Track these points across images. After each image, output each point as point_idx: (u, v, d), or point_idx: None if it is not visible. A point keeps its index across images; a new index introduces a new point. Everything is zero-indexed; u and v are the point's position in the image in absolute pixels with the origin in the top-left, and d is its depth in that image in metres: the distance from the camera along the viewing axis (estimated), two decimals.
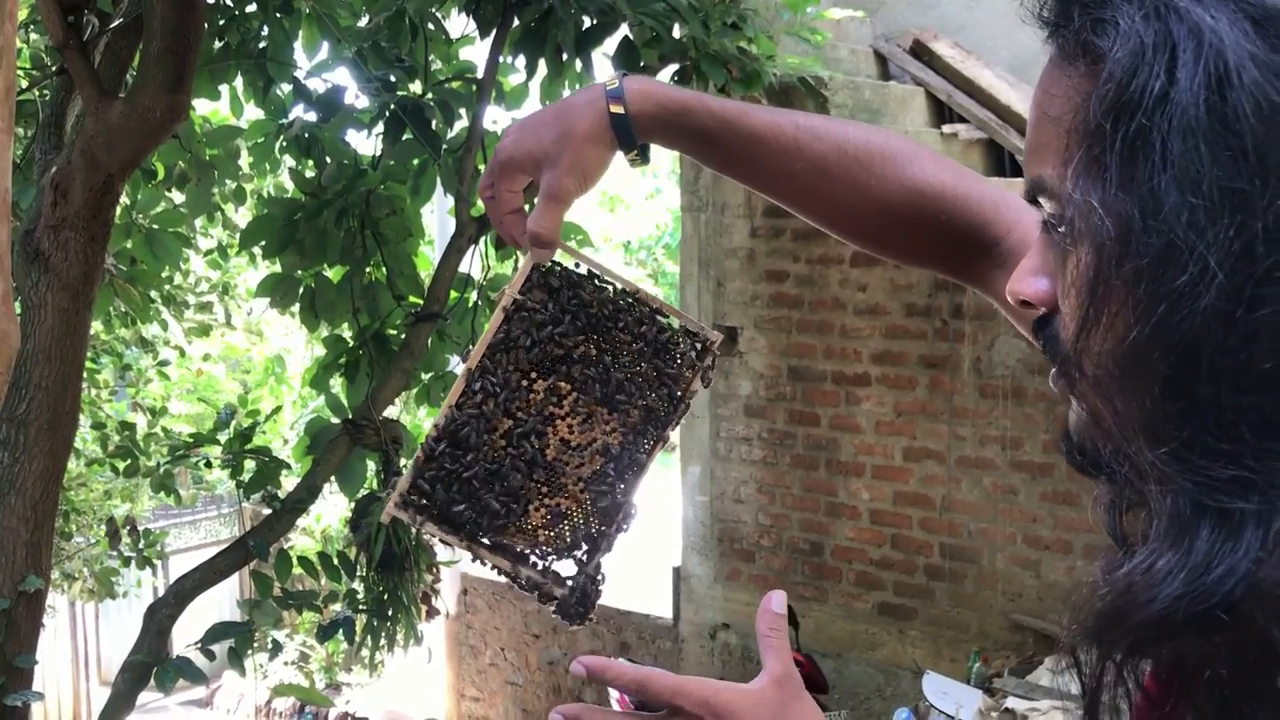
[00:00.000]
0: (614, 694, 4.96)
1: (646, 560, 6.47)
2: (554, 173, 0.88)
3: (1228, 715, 0.46)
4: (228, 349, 8.56)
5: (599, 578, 0.96)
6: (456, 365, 3.18)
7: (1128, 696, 0.52)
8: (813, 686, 4.48)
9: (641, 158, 0.92)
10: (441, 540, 0.95)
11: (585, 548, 0.97)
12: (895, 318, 4.75)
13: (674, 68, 2.97)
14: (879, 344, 4.81)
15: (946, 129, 4.08)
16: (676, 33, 2.84)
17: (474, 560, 0.96)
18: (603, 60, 2.85)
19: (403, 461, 2.87)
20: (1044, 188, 0.55)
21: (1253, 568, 0.45)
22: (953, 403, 4.61)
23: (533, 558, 0.96)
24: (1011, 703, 3.64)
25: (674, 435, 1.09)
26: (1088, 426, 0.55)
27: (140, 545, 4.66)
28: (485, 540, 0.95)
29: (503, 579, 0.96)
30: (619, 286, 0.97)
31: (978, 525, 4.58)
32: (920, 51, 4.42)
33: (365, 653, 2.92)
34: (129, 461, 4.20)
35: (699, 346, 0.99)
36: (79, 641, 8.33)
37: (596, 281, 0.96)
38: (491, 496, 0.93)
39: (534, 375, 0.94)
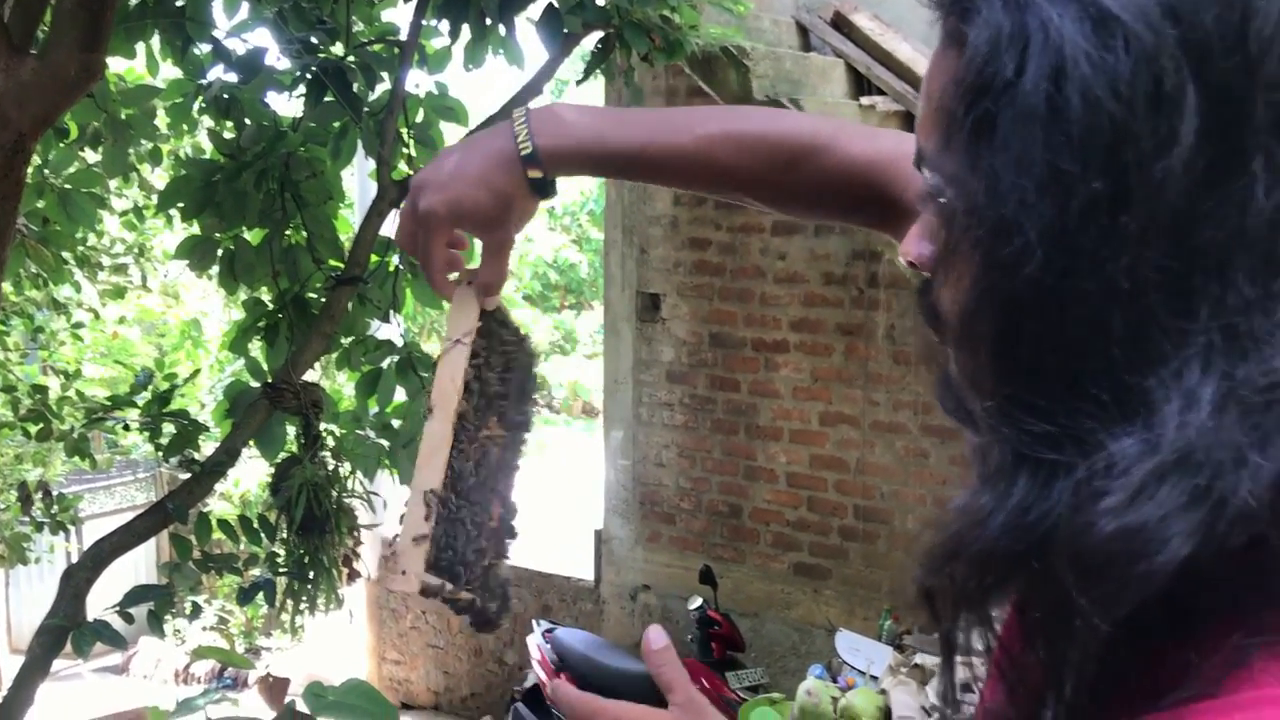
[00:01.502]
0: (535, 655, 5.02)
1: (568, 523, 6.53)
2: (503, 231, 0.94)
3: (1052, 654, 0.50)
4: (143, 312, 8.38)
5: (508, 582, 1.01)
6: (377, 329, 3.19)
7: (983, 641, 0.56)
8: (730, 645, 4.58)
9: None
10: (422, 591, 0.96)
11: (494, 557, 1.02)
12: (813, 286, 4.84)
13: (597, 35, 2.99)
14: (798, 312, 4.89)
15: (865, 101, 4.15)
16: (600, 0, 2.86)
17: (434, 597, 0.98)
18: (527, 25, 2.85)
19: (322, 425, 2.86)
20: (923, 158, 0.60)
21: (1060, 516, 0.49)
22: (868, 369, 4.72)
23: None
24: (920, 659, 3.76)
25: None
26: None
27: (53, 510, 4.58)
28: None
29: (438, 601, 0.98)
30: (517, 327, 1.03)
31: (890, 487, 4.70)
32: (840, 23, 4.48)
33: (286, 616, 2.92)
34: (41, 425, 4.12)
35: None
36: None
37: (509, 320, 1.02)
38: (475, 535, 0.98)
39: (485, 414, 0.98)
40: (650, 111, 0.99)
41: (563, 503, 7.45)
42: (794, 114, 1.00)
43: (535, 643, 5.07)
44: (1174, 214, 0.49)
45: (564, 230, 15.19)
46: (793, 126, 0.96)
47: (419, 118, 3.04)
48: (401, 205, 0.94)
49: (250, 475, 7.69)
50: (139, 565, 7.45)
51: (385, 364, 2.98)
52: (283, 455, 2.86)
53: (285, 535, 2.81)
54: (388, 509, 3.24)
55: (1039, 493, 0.50)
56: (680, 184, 1.02)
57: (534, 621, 5.34)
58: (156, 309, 8.58)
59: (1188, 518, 0.47)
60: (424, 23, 2.87)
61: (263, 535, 2.86)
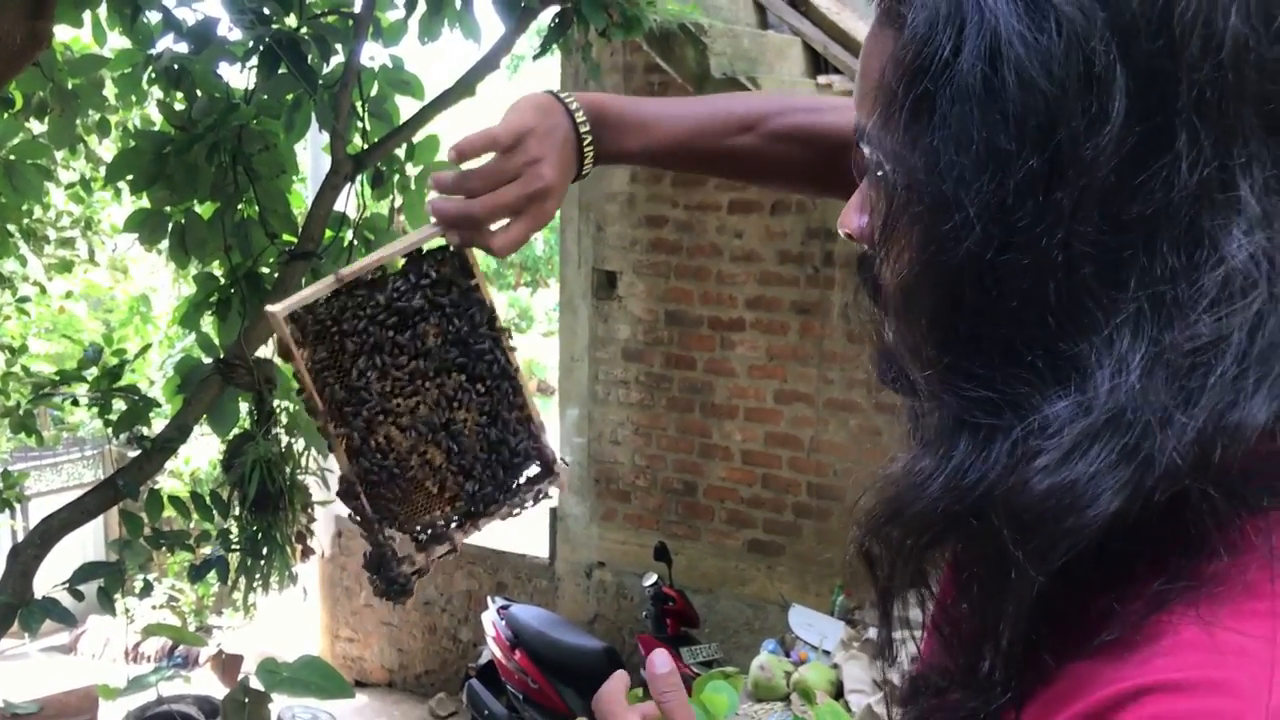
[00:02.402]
0: (490, 632, 5.03)
1: None
2: (553, 201, 0.95)
3: (989, 606, 0.53)
4: (89, 287, 8.25)
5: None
6: None
7: (921, 601, 0.60)
8: (684, 621, 4.61)
9: None
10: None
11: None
12: (769, 264, 4.86)
13: (554, 10, 2.97)
14: (753, 290, 4.91)
15: (822, 79, 4.16)
16: None
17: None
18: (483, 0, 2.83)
19: (275, 402, 2.84)
20: (862, 134, 0.62)
21: (997, 477, 0.52)
22: (822, 347, 4.75)
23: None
24: (872, 633, 3.81)
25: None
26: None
27: None
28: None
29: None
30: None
31: (843, 465, 4.75)
32: (797, 2, 4.48)
33: (238, 594, 2.91)
34: None
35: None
36: None
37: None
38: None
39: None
40: (698, 104, 1.03)
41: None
42: (834, 104, 1.02)
43: (490, 620, 5.08)
44: (1104, 190, 0.51)
45: None
46: (837, 120, 0.99)
47: (373, 91, 3.01)
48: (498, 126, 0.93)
49: (201, 452, 7.61)
50: (87, 543, 7.36)
51: None
52: (235, 431, 2.84)
53: (238, 512, 2.80)
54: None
55: (977, 455, 0.53)
56: (728, 177, 1.07)
57: (489, 598, 5.34)
58: (104, 284, 8.44)
59: (1116, 475, 0.50)
60: None
61: (215, 512, 2.84)
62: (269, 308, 0.94)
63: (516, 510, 1.05)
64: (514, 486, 1.05)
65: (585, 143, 0.97)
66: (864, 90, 0.61)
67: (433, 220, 0.96)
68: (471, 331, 1.01)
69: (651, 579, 4.68)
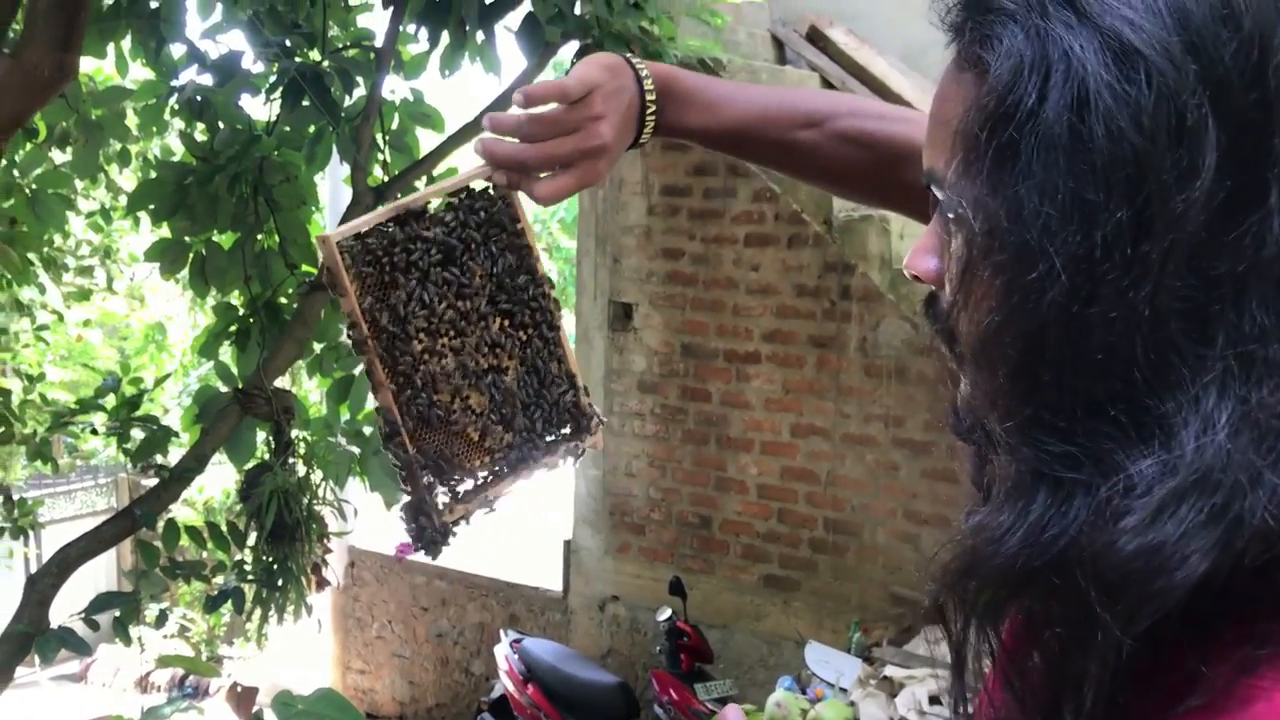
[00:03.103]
0: (503, 665, 4.99)
1: (537, 533, 6.50)
2: (605, 161, 0.94)
3: (1071, 666, 0.52)
4: (106, 315, 8.29)
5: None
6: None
7: (990, 654, 0.58)
8: (699, 656, 4.58)
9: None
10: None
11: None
12: (786, 298, 4.85)
13: (575, 45, 2.99)
14: (770, 323, 4.91)
15: None
16: (579, 10, 2.86)
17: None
18: (505, 34, 2.85)
19: (294, 433, 2.84)
20: (935, 178, 0.61)
21: (1079, 534, 0.51)
22: (839, 381, 4.74)
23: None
24: (890, 671, 3.77)
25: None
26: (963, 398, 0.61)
27: (14, 515, 4.51)
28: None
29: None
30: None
31: (860, 500, 4.72)
32: (816, 37, 4.50)
33: (251, 624, 2.90)
34: (3, 429, 4.06)
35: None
36: None
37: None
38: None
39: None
40: (766, 92, 1.02)
41: (532, 512, 7.42)
42: (903, 115, 1.01)
43: (503, 653, 5.04)
44: (1194, 244, 0.50)
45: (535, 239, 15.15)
46: (903, 131, 0.99)
47: (395, 124, 3.02)
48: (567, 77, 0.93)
49: (214, 481, 7.61)
50: (99, 571, 7.35)
51: (357, 371, 2.96)
52: (253, 462, 2.84)
53: (254, 543, 2.79)
54: (358, 516, 3.22)
55: (1057, 511, 0.52)
56: (785, 170, 1.06)
57: (502, 631, 5.31)
58: (119, 312, 8.49)
59: (1206, 535, 0.48)
60: (400, 29, 2.86)
61: (231, 542, 2.83)
62: (323, 234, 0.94)
63: (555, 465, 1.04)
64: (553, 440, 1.04)
65: (648, 111, 0.96)
66: (938, 134, 0.60)
67: (481, 161, 0.95)
68: (516, 276, 1.01)
69: (666, 613, 4.65)
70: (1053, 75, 0.52)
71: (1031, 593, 0.54)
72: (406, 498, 0.98)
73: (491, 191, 0.99)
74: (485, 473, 1.01)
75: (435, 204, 0.99)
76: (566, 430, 1.05)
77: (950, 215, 0.58)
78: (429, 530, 0.97)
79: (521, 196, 0.99)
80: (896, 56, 4.36)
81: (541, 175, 0.95)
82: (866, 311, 4.63)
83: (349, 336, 0.96)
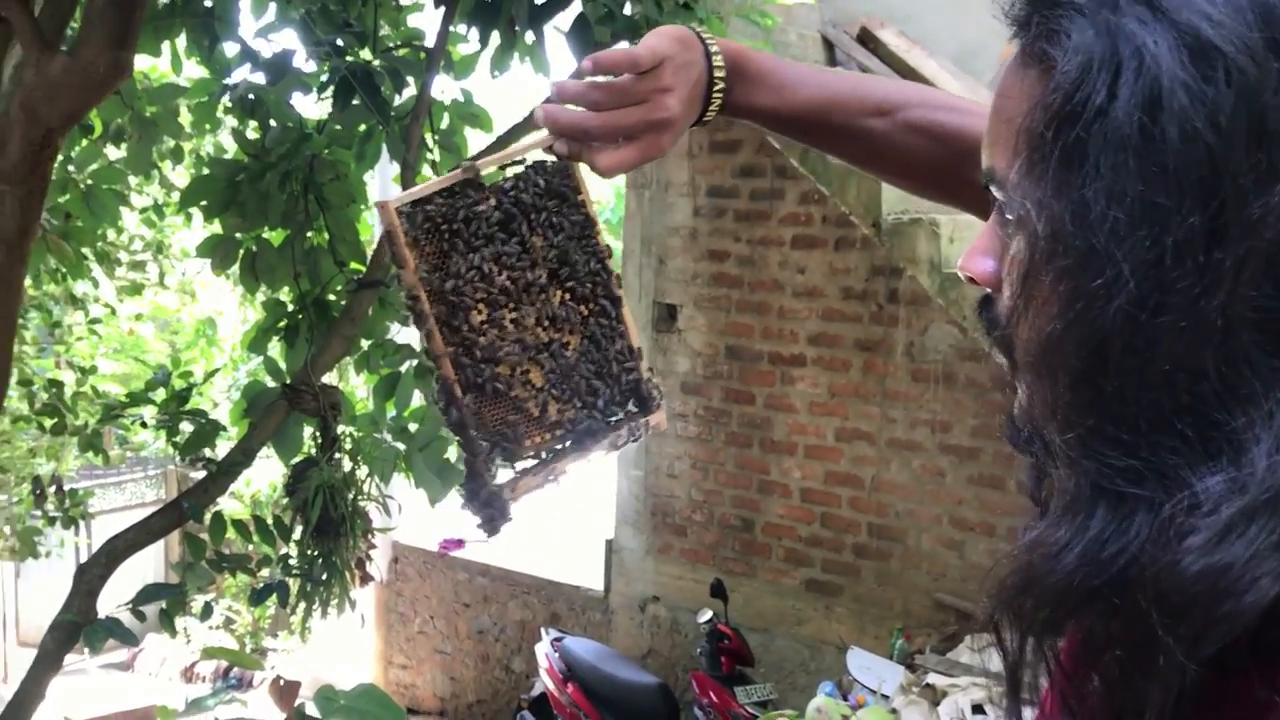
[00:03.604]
0: (543, 663, 5.00)
1: (578, 532, 6.51)
2: (670, 136, 0.92)
3: (1127, 689, 0.50)
4: (157, 309, 8.41)
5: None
6: (397, 333, 3.18)
7: (1047, 674, 0.56)
8: (739, 660, 4.56)
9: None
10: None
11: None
12: (832, 300, 4.82)
13: (625, 44, 2.98)
14: (815, 326, 4.88)
15: None
16: (629, 10, 2.85)
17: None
18: (555, 35, 2.85)
19: (340, 428, 2.86)
20: (995, 178, 0.59)
21: (1140, 552, 0.49)
22: (885, 385, 4.70)
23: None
24: (932, 679, 3.74)
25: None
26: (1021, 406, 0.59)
27: (65, 505, 4.59)
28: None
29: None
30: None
31: (905, 506, 4.68)
32: (867, 39, 4.46)
33: (296, 618, 2.92)
34: (56, 420, 4.13)
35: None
36: None
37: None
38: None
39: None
40: (837, 77, 1.00)
41: (574, 511, 7.43)
42: (971, 106, 0.99)
43: (543, 651, 5.05)
44: (1271, 252, 0.48)
45: None
46: (977, 125, 0.96)
47: (444, 124, 3.03)
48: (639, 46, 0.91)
49: (261, 475, 7.69)
50: (147, 563, 7.46)
51: (404, 368, 2.97)
52: (299, 457, 2.86)
53: (299, 537, 2.81)
54: (402, 512, 3.24)
55: (1118, 527, 0.50)
56: (851, 159, 1.03)
57: (542, 630, 5.32)
58: (171, 306, 8.60)
59: (1277, 558, 0.46)
60: (451, 29, 2.87)
61: (276, 536, 2.86)
62: (381, 200, 0.92)
63: (615, 445, 1.01)
64: (614, 419, 1.01)
65: (716, 88, 0.93)
66: (1000, 132, 0.58)
67: (544, 129, 0.92)
68: (577, 249, 0.98)
69: (707, 615, 4.64)
70: (1124, 73, 0.50)
71: (1090, 612, 0.51)
72: (465, 473, 0.96)
73: (552, 161, 0.97)
74: (545, 449, 0.98)
75: (495, 173, 0.97)
76: (629, 408, 1.02)
77: (1011, 217, 0.56)
78: (488, 506, 0.95)
79: (584, 169, 0.97)
80: (948, 59, 4.31)
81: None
82: (914, 315, 4.59)
83: (406, 306, 0.94)
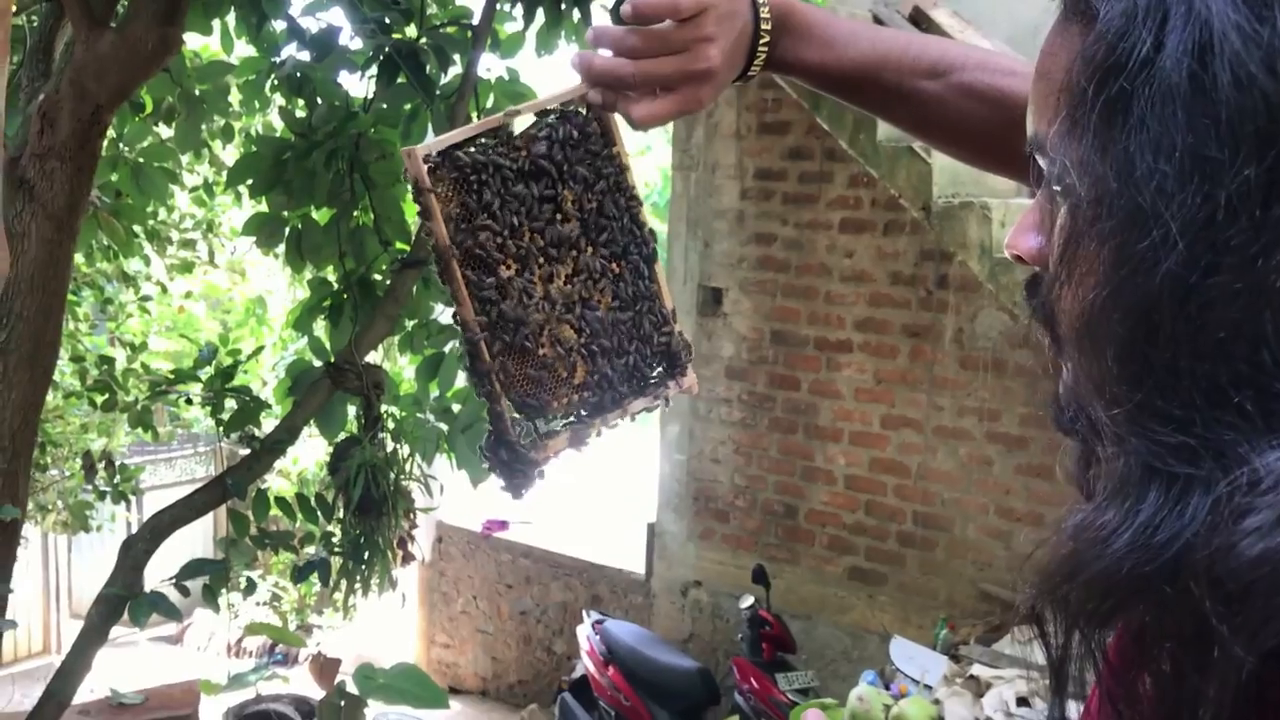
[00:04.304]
0: (584, 645, 5.01)
1: (621, 515, 6.51)
2: (710, 89, 0.88)
3: (1180, 686, 0.46)
4: (208, 287, 8.50)
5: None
6: (441, 313, 3.18)
7: (1094, 667, 0.52)
8: (781, 646, 4.53)
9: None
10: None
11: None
12: (880, 285, 4.76)
13: None
14: (863, 311, 4.82)
15: None
16: None
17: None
18: (600, 12, 2.82)
19: (383, 407, 2.87)
20: (1039, 144, 0.56)
21: (1197, 537, 0.45)
22: (933, 372, 4.64)
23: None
24: (977, 670, 3.69)
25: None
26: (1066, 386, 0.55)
27: (115, 480, 4.66)
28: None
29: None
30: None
31: (951, 495, 4.62)
32: (919, 19, 4.39)
33: (339, 595, 2.94)
34: (107, 396, 4.18)
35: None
36: (50, 573, 8.33)
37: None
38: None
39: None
40: (890, 35, 0.96)
41: (617, 494, 7.43)
42: (1024, 68, 0.94)
43: (584, 633, 5.06)
44: None
45: None
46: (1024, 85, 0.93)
47: (489, 103, 3.02)
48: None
49: (308, 453, 7.77)
50: (196, 539, 7.55)
51: (448, 348, 2.97)
52: (342, 435, 2.87)
53: (341, 515, 2.82)
54: (444, 493, 3.25)
55: (1171, 510, 0.46)
56: (900, 123, 0.98)
57: (584, 612, 5.33)
58: (222, 285, 8.69)
59: None
60: (498, 7, 2.86)
61: (319, 514, 2.87)
62: (409, 148, 0.89)
63: (646, 407, 0.98)
64: (645, 381, 0.98)
65: (761, 41, 0.89)
66: (1043, 94, 0.55)
67: (579, 77, 0.89)
68: (610, 203, 0.95)
69: (749, 601, 4.61)
70: (1171, 18, 0.46)
71: (1140, 602, 0.47)
72: (489, 433, 0.93)
73: (586, 112, 0.93)
74: (573, 410, 0.95)
75: (527, 122, 0.94)
76: (660, 370, 0.99)
77: (1057, 186, 0.53)
78: (513, 467, 0.92)
79: (620, 120, 0.93)
80: (1003, 39, 4.23)
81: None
82: (964, 301, 4.52)
83: (433, 258, 0.91)
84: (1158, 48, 0.46)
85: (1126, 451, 0.48)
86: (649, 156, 12.77)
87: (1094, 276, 0.49)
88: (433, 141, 0.90)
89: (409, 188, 0.91)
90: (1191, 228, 0.45)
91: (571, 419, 0.95)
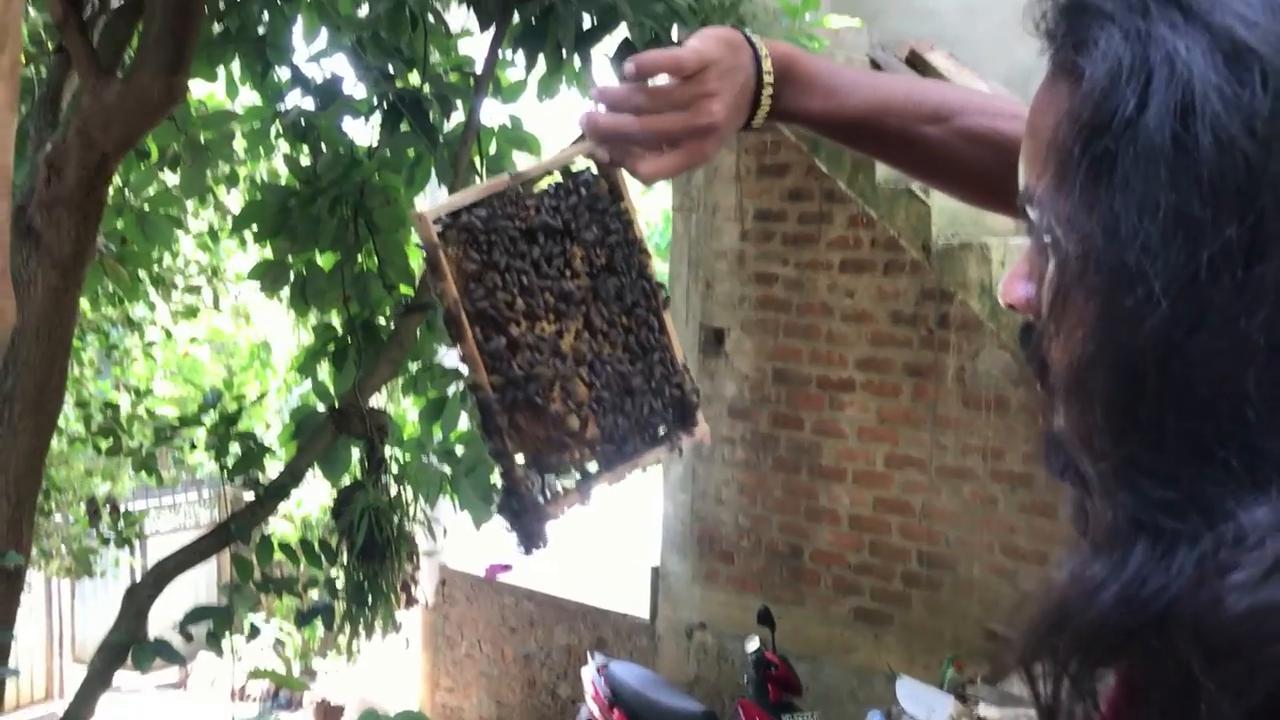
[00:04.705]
0: (589, 689, 4.98)
1: (625, 558, 6.48)
2: (714, 142, 0.89)
3: None
4: (213, 332, 8.52)
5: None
6: (444, 356, 3.20)
7: (1086, 718, 0.52)
8: (787, 687, 4.50)
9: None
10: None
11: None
12: (881, 325, 4.78)
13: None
14: (865, 350, 4.83)
15: None
16: (675, 35, 2.85)
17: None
18: (602, 60, 2.86)
19: (388, 451, 2.87)
20: (1029, 197, 0.57)
21: (1182, 590, 0.45)
22: (936, 411, 4.64)
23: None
24: (983, 710, 3.67)
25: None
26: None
27: (120, 525, 4.66)
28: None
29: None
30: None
31: (956, 534, 4.61)
32: (916, 62, 4.44)
33: (343, 639, 2.93)
34: (112, 441, 4.19)
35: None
36: (54, 619, 8.29)
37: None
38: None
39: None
40: (891, 82, 0.98)
41: (620, 537, 7.41)
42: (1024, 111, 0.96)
43: (589, 677, 5.03)
44: None
45: None
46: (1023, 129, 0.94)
47: (492, 149, 3.06)
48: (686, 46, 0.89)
49: (312, 497, 7.76)
50: (199, 583, 7.53)
51: (451, 391, 2.98)
52: (346, 479, 2.88)
53: (345, 559, 2.83)
54: (448, 536, 3.24)
55: (1158, 564, 0.46)
56: (904, 167, 1.00)
57: (589, 655, 5.30)
58: (227, 330, 8.72)
59: None
60: (499, 55, 2.90)
61: (323, 559, 2.87)
62: (417, 210, 0.91)
63: (657, 459, 0.98)
64: (657, 433, 0.98)
65: (765, 93, 0.90)
66: (1033, 149, 0.56)
67: (584, 134, 0.91)
68: (619, 258, 0.96)
69: (754, 643, 4.59)
70: (1154, 79, 0.47)
71: (1129, 655, 0.48)
72: (503, 489, 0.94)
73: (593, 169, 0.95)
74: (586, 464, 0.95)
75: (536, 182, 0.95)
76: (671, 421, 1.00)
77: (1044, 237, 0.54)
78: (527, 522, 0.92)
79: (627, 177, 0.94)
80: (999, 82, 4.27)
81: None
82: (965, 340, 4.53)
83: (444, 318, 0.92)
84: (1141, 108, 0.47)
85: (1114, 505, 0.49)
86: (650, 198, 12.83)
87: (1081, 330, 0.50)
88: (442, 204, 0.92)
89: (419, 244, 0.92)
90: (1175, 286, 0.46)
91: (585, 472, 0.96)
